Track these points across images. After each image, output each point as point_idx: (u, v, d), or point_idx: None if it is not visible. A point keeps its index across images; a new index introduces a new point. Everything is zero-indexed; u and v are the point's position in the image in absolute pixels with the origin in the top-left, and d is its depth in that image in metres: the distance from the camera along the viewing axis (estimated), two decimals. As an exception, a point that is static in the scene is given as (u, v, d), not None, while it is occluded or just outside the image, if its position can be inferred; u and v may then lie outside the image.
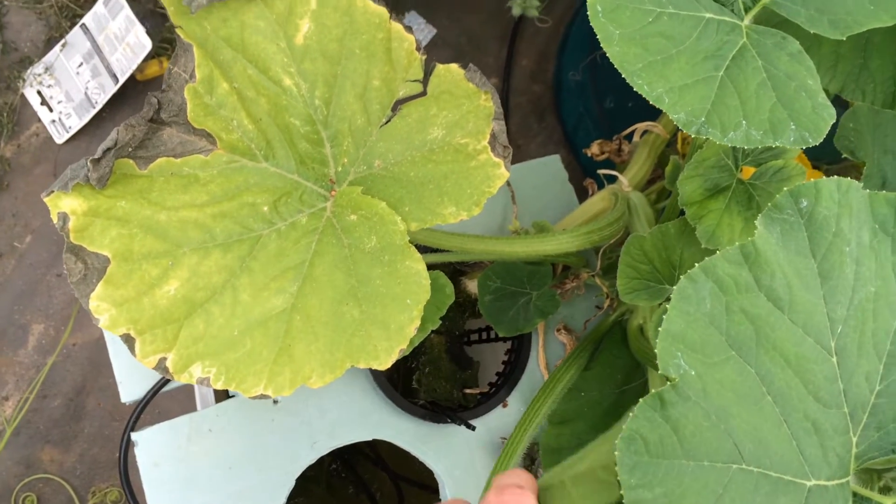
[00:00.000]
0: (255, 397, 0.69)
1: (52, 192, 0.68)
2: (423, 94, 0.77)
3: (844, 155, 0.90)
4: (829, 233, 0.54)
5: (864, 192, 0.56)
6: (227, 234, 0.74)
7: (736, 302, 0.51)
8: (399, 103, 0.77)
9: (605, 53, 1.59)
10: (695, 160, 0.80)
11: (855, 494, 0.57)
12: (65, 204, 0.68)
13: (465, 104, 0.75)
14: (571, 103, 1.77)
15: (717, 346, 0.51)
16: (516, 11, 1.26)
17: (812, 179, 0.53)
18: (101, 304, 0.68)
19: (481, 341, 1.11)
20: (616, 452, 0.48)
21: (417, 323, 0.70)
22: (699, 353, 0.50)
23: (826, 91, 0.80)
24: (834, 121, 0.57)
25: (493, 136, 0.74)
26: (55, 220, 0.68)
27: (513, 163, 1.27)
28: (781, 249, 0.52)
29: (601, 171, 1.04)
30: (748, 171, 0.87)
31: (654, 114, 1.09)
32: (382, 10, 0.75)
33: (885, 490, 0.57)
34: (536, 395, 0.91)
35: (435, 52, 1.82)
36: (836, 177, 0.54)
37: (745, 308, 0.51)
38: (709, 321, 0.51)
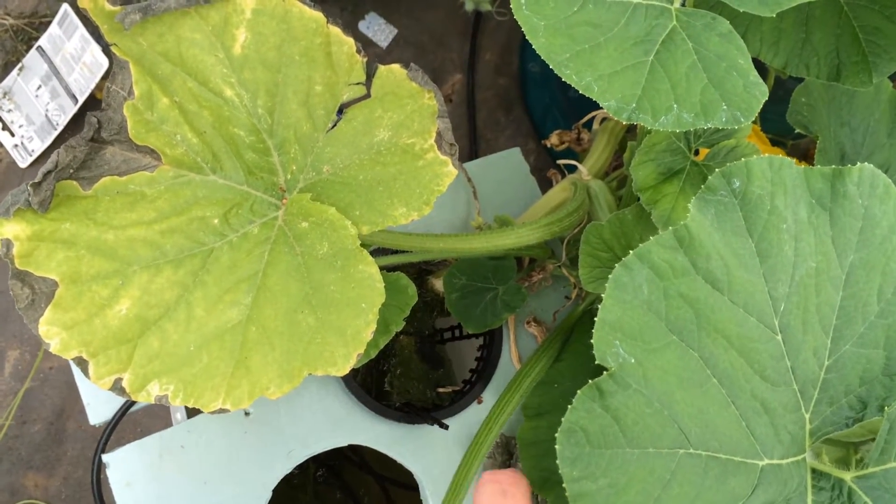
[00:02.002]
0: (214, 412, 0.69)
1: (-7, 219, 0.67)
2: (368, 96, 0.76)
3: (797, 130, 0.90)
4: (764, 211, 0.54)
5: (799, 169, 0.56)
6: (178, 249, 0.73)
7: (673, 287, 0.51)
8: (344, 107, 0.77)
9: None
10: (645, 145, 0.80)
11: (813, 470, 0.57)
12: (7, 230, 0.67)
13: (410, 104, 0.75)
14: (537, 95, 1.77)
15: (657, 332, 0.51)
16: (469, 7, 1.25)
17: (743, 160, 0.53)
18: (50, 329, 0.67)
19: (452, 339, 1.11)
20: (557, 446, 0.48)
21: (373, 327, 0.70)
22: (638, 340, 0.50)
23: (770, 67, 0.80)
24: (766, 98, 0.57)
25: (439, 135, 0.74)
26: (-2, 248, 0.67)
27: (479, 157, 1.27)
28: (717, 231, 0.52)
29: (560, 162, 1.04)
30: (704, 153, 0.87)
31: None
32: (319, 15, 0.74)
33: (860, 463, 0.57)
34: (505, 389, 0.91)
35: (397, 52, 1.81)
36: (767, 155, 0.54)
37: (684, 292, 0.51)
38: (647, 308, 0.51)
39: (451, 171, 0.73)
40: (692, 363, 0.51)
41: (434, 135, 0.74)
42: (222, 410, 0.69)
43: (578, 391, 0.49)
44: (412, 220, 0.73)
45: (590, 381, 0.50)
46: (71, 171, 0.71)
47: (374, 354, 0.79)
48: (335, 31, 0.75)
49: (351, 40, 0.75)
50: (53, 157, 0.69)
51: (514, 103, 1.82)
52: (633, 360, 0.49)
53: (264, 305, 0.72)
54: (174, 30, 0.74)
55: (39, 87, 1.53)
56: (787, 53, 0.77)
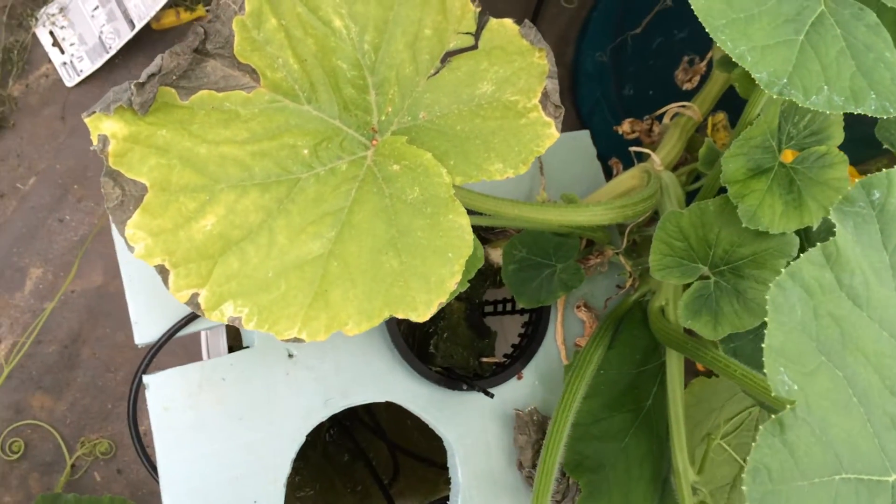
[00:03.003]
0: (287, 340, 0.67)
1: (94, 112, 0.65)
2: (475, 47, 0.75)
3: (885, 146, 0.90)
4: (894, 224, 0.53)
5: None
6: (266, 173, 0.71)
7: (822, 305, 0.50)
8: (449, 55, 0.75)
9: (630, 38, 1.56)
10: (742, 137, 0.79)
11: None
12: (106, 126, 0.66)
13: (518, 61, 0.74)
14: (589, 88, 1.76)
15: (810, 354, 0.50)
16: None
17: (884, 170, 0.52)
18: (137, 233, 0.66)
19: (498, 313, 1.09)
20: (744, 487, 0.46)
21: (458, 277, 0.69)
22: (797, 364, 0.49)
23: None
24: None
25: (546, 95, 0.72)
26: (95, 142, 0.65)
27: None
28: (857, 244, 0.51)
29: (633, 149, 1.03)
30: (787, 156, 0.86)
31: (675, 101, 1.08)
32: (441, -43, 0.73)
33: None
34: (571, 376, 0.90)
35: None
36: None
37: (831, 310, 0.50)
38: (801, 329, 0.49)
39: (553, 133, 0.72)
40: (839, 384, 0.50)
41: (540, 94, 0.73)
42: (297, 340, 0.67)
43: (761, 427, 0.47)
44: (507, 176, 0.72)
45: (772, 416, 0.48)
46: (173, 77, 0.69)
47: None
48: (454, -25, 0.73)
49: (468, -12, 0.74)
50: (157, 60, 0.67)
51: (563, 95, 1.81)
52: (796, 387, 0.48)
53: (348, 241, 0.70)
54: (290, -49, 0.73)
55: (97, 7, 1.51)
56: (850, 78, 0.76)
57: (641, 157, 1.04)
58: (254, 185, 0.71)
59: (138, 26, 1.50)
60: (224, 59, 0.72)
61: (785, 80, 0.53)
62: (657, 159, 0.99)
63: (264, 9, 0.72)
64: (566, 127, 1.87)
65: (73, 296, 1.43)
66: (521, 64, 0.73)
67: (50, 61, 1.53)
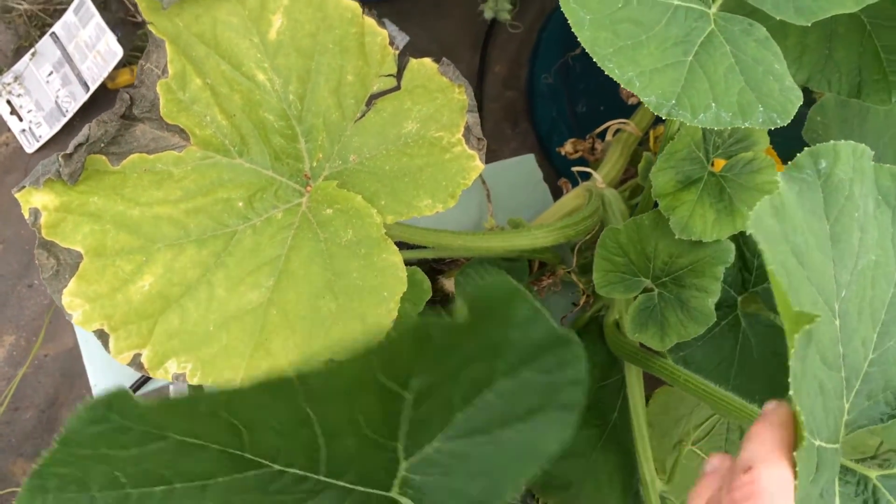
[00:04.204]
0: (232, 392, 0.68)
1: (24, 187, 0.67)
2: (397, 88, 0.77)
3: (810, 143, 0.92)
4: (842, 196, 0.54)
5: (871, 163, 0.57)
6: (202, 229, 0.73)
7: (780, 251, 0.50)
8: (373, 98, 0.77)
9: (577, 56, 1.59)
10: (666, 152, 0.81)
11: (841, 464, 0.57)
12: (36, 199, 0.67)
13: (439, 98, 0.76)
14: (545, 108, 1.78)
15: None
16: (488, 14, 1.27)
17: (832, 142, 0.53)
18: (74, 300, 0.67)
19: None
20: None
21: (394, 315, 0.70)
22: None
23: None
24: (801, 102, 0.58)
25: (468, 129, 0.74)
26: (27, 216, 0.67)
27: (487, 164, 1.27)
28: (800, 208, 0.52)
29: (576, 169, 1.05)
30: (720, 164, 0.88)
31: (624, 116, 1.11)
32: (355, 5, 0.75)
33: (886, 462, 0.58)
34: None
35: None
36: (851, 141, 0.54)
37: (782, 261, 0.51)
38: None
39: (478, 165, 0.74)
40: None
41: (462, 129, 0.75)
42: (241, 390, 0.69)
43: None
44: (437, 211, 0.74)
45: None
46: (101, 145, 0.71)
47: (388, 346, 0.79)
48: (369, 21, 0.76)
49: (385, 31, 0.76)
50: (85, 130, 0.69)
51: (521, 116, 1.83)
52: None
53: (286, 289, 0.72)
54: (211, 12, 0.75)
55: (51, 73, 1.53)
56: (809, 68, 0.78)
57: (588, 176, 1.06)
58: (190, 241, 0.72)
59: (93, 88, 1.52)
60: (152, 121, 0.74)
61: (673, 101, 0.55)
62: (598, 177, 1.01)
63: (188, 70, 0.74)
64: (527, 149, 1.89)
65: (46, 360, 1.44)
66: (442, 101, 0.76)
67: (9, 130, 1.55)
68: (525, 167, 1.12)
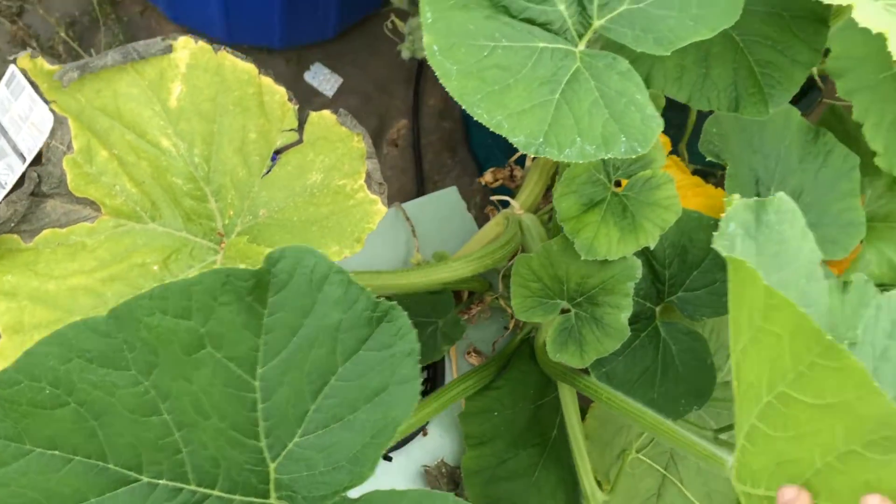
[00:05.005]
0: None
1: (-65, 273, 0.69)
2: (300, 141, 0.80)
3: (709, 158, 0.96)
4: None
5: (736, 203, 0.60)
6: (119, 296, 0.75)
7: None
8: (278, 152, 0.80)
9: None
10: (565, 178, 0.85)
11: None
12: (-51, 283, 0.69)
13: (340, 147, 0.79)
14: (480, 135, 1.82)
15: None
16: (405, 54, 1.31)
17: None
18: (-7, 378, 0.69)
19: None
20: None
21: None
22: None
23: (675, 100, 0.86)
24: (661, 129, 0.62)
25: (368, 175, 0.77)
26: (-60, 301, 0.69)
27: (413, 200, 1.31)
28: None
29: (494, 198, 1.09)
30: (622, 185, 0.92)
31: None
32: (251, 67, 0.78)
33: None
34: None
35: (343, 100, 1.85)
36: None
37: None
38: None
39: (380, 208, 0.77)
40: None
41: (364, 175, 0.78)
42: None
43: None
44: (345, 256, 0.77)
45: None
46: (12, 224, 0.73)
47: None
48: (267, 81, 0.79)
49: (282, 89, 0.79)
50: (-7, 211, 0.71)
51: (459, 145, 1.87)
52: None
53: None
54: (111, 85, 0.77)
55: (-16, 146, 1.54)
56: (689, 88, 0.82)
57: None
58: (108, 309, 0.74)
59: (29, 158, 1.53)
60: (62, 196, 0.76)
61: (541, 140, 0.58)
62: (515, 204, 1.05)
63: (93, 143, 0.77)
64: (468, 175, 1.93)
65: None
66: (343, 150, 0.79)
67: (-54, 205, 1.56)
68: (449, 200, 1.15)
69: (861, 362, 0.43)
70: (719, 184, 1.43)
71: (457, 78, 0.59)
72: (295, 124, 0.79)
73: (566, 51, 0.65)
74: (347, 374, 0.60)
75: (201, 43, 0.76)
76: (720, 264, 0.97)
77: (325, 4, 1.42)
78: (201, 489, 0.60)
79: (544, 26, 0.64)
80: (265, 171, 0.80)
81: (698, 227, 0.97)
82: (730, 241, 0.57)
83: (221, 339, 0.58)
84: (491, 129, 0.59)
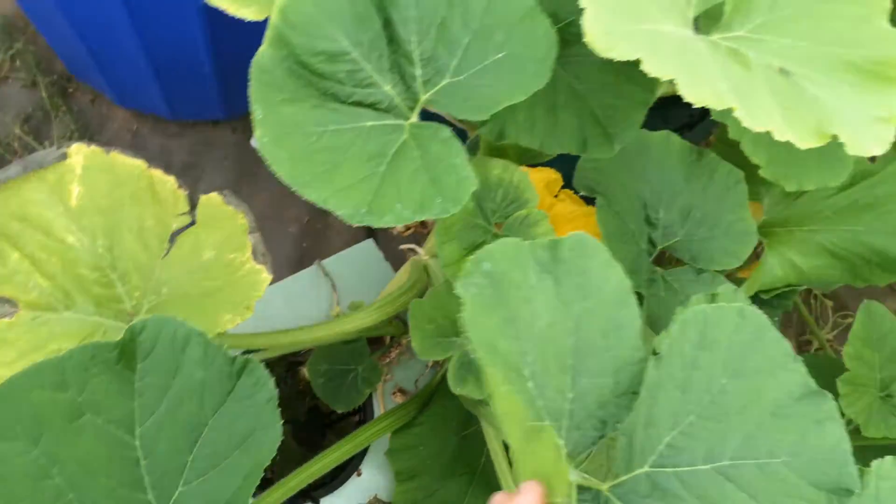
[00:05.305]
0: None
1: None
2: (193, 223, 0.89)
3: (582, 192, 1.05)
4: (507, 284, 0.64)
5: (526, 244, 0.68)
6: (39, 381, 0.84)
7: None
8: (175, 234, 0.89)
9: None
10: (440, 228, 0.93)
11: (578, 486, 0.68)
12: None
13: (227, 225, 0.88)
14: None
15: None
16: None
17: (486, 246, 0.64)
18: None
19: (333, 422, 1.21)
20: None
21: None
22: None
23: (529, 150, 0.94)
24: (475, 188, 0.70)
25: (253, 248, 0.86)
26: None
27: (338, 254, 1.39)
28: (481, 307, 0.63)
29: (402, 247, 1.17)
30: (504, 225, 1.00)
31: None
32: (139, 163, 0.87)
33: (613, 475, 0.68)
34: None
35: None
36: (504, 239, 0.65)
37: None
38: None
39: (266, 277, 0.86)
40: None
41: (250, 248, 0.86)
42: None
43: None
44: (237, 323, 0.85)
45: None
46: (-66, 327, 0.82)
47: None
48: (157, 173, 0.88)
49: (171, 178, 0.88)
50: (-83, 318, 0.80)
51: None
52: None
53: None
54: (19, 193, 0.87)
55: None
56: (541, 136, 0.90)
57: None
58: (30, 393, 0.83)
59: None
60: (-19, 297, 0.85)
61: (364, 210, 0.66)
62: (420, 250, 1.13)
63: (4, 247, 0.86)
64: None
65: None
66: (230, 227, 0.87)
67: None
68: (366, 251, 1.24)
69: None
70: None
71: (287, 164, 0.67)
72: (186, 208, 0.88)
73: (395, 125, 0.73)
74: (217, 425, 0.69)
75: (93, 147, 0.86)
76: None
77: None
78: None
79: (373, 107, 0.73)
80: (164, 253, 0.89)
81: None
82: (486, 280, 0.64)
83: (99, 406, 0.66)
84: (320, 205, 0.67)
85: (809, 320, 1.81)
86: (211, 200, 0.88)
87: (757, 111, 0.75)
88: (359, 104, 0.72)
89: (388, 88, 0.73)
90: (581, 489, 0.68)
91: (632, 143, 1.13)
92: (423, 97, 0.75)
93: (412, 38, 0.73)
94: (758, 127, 0.73)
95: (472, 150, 1.21)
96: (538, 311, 0.65)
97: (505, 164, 0.97)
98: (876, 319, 1.36)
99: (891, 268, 1.29)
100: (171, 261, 0.88)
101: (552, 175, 1.23)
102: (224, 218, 0.87)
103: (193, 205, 0.89)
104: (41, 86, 1.71)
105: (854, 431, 1.27)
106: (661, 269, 1.16)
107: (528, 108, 0.90)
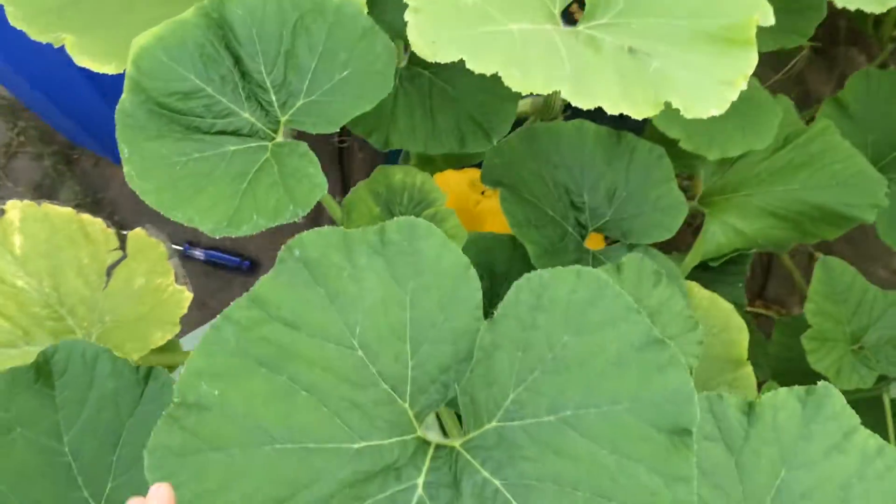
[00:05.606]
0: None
1: None
2: (125, 256, 1.00)
3: (487, 186, 1.12)
4: (326, 266, 0.72)
5: (357, 230, 0.76)
6: None
7: (254, 332, 0.69)
8: (111, 268, 1.01)
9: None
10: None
11: (432, 444, 0.75)
12: None
13: (152, 254, 0.99)
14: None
15: (244, 368, 0.68)
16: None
17: (297, 235, 0.73)
18: None
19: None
20: (146, 461, 0.65)
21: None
22: (223, 376, 0.67)
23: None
24: (324, 193, 0.78)
25: (175, 272, 0.97)
26: None
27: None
28: (288, 289, 0.71)
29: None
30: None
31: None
32: (69, 210, 0.99)
33: (463, 432, 0.75)
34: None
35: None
36: (317, 228, 0.74)
37: (264, 335, 0.69)
38: (233, 353, 0.68)
39: (188, 295, 0.96)
40: (278, 384, 0.68)
41: (172, 273, 0.97)
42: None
43: (159, 420, 0.66)
44: (167, 339, 0.96)
45: (163, 413, 0.67)
46: None
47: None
48: (86, 216, 1.00)
49: (99, 220, 1.00)
50: None
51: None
52: (216, 392, 0.67)
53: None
54: (-27, 249, 1.00)
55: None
56: (423, 139, 0.99)
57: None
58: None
59: None
60: (-50, 342, 0.98)
61: (225, 223, 0.76)
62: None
63: (-35, 296, 0.99)
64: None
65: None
66: (154, 256, 0.98)
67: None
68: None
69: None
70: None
71: (153, 193, 0.77)
72: (116, 244, 1.00)
73: (259, 147, 0.83)
74: (134, 426, 0.79)
75: (26, 201, 0.98)
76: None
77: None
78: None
79: (236, 133, 0.83)
80: (104, 286, 1.00)
81: (496, 245, 1.12)
82: (300, 265, 0.71)
83: (27, 420, 0.77)
84: (184, 224, 0.77)
85: (800, 282, 1.83)
86: (137, 234, 0.99)
87: (591, 90, 0.81)
88: (222, 132, 0.82)
89: (247, 115, 0.83)
90: (438, 447, 0.74)
91: (542, 134, 1.21)
92: (283, 118, 0.84)
93: (261, 69, 0.83)
94: (587, 104, 0.80)
95: (406, 161, 1.30)
96: (369, 289, 0.73)
97: (406, 170, 1.06)
98: (835, 274, 1.38)
99: (835, 221, 1.32)
100: (110, 291, 1.00)
101: (476, 174, 1.31)
102: (149, 248, 0.99)
103: (123, 240, 1.00)
104: (46, 157, 1.88)
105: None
106: (594, 249, 1.22)
107: (408, 116, 0.99)
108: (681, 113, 0.82)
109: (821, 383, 0.88)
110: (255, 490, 0.67)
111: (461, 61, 0.76)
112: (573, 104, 0.79)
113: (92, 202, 1.76)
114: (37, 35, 0.83)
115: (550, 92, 0.78)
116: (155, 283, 0.98)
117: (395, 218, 0.74)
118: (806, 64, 2.01)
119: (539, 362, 0.74)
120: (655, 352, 0.75)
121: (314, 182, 0.78)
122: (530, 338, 0.75)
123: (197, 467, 0.65)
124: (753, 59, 0.85)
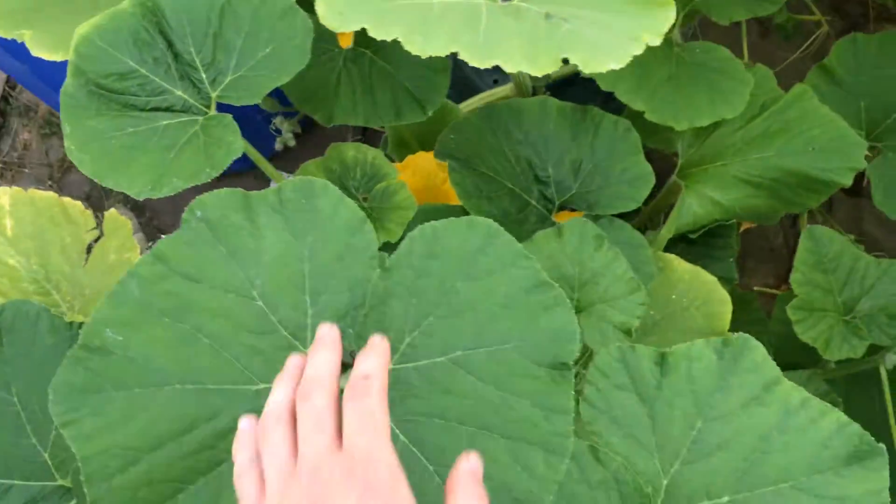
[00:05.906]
0: None
1: None
2: (102, 234, 1.10)
3: (440, 161, 1.17)
4: (227, 226, 0.79)
5: (258, 192, 0.82)
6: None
7: (158, 285, 0.76)
8: (90, 246, 1.11)
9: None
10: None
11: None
12: None
13: (122, 231, 1.08)
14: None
15: (148, 317, 0.75)
16: (278, 146, 1.59)
17: (197, 197, 0.79)
18: None
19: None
20: (50, 397, 0.71)
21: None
22: (127, 325, 0.74)
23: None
24: (237, 155, 0.85)
25: (140, 246, 1.06)
26: None
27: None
28: (189, 246, 0.77)
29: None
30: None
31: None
32: (52, 194, 1.10)
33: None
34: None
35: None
36: (217, 191, 0.80)
37: (167, 288, 0.76)
38: (137, 304, 0.75)
39: (150, 267, 1.04)
40: (180, 332, 0.74)
41: (138, 249, 1.06)
42: None
43: (63, 361, 0.73)
44: (133, 307, 1.04)
45: (67, 353, 0.73)
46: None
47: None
48: (67, 199, 1.10)
49: (79, 203, 1.10)
50: None
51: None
52: (120, 338, 0.74)
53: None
54: (-27, 232, 1.11)
55: None
56: (364, 114, 1.05)
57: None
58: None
59: None
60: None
61: (149, 187, 0.83)
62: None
63: (-36, 274, 1.10)
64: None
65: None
66: (124, 233, 1.08)
67: None
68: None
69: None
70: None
71: (89, 164, 0.85)
72: (94, 224, 1.10)
73: (190, 121, 0.91)
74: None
75: (14, 188, 1.09)
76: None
77: (265, 132, 1.70)
78: (3, 481, 0.88)
79: (169, 109, 0.91)
80: (84, 262, 1.10)
81: (447, 215, 1.16)
82: (203, 224, 0.76)
83: None
84: (114, 189, 0.85)
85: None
86: (111, 214, 1.09)
87: (492, 51, 0.85)
88: (156, 109, 0.90)
89: (180, 93, 0.91)
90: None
91: (502, 111, 1.24)
92: (214, 94, 0.92)
93: (191, 49, 0.91)
94: (483, 64, 0.84)
95: (385, 146, 1.37)
96: (269, 244, 0.78)
97: (357, 146, 1.12)
98: (822, 243, 1.35)
99: (812, 186, 1.30)
100: (89, 268, 1.10)
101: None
102: (120, 226, 1.08)
103: (99, 221, 1.10)
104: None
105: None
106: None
107: (350, 93, 1.05)
108: (579, 67, 0.84)
109: (738, 334, 0.88)
110: (155, 423, 0.73)
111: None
112: (470, 64, 0.83)
113: (133, 207, 1.90)
114: (4, 32, 0.93)
115: (446, 53, 0.82)
116: (124, 257, 1.07)
117: (290, 180, 0.80)
118: (827, 41, 1.96)
119: (434, 307, 0.77)
120: (542, 293, 0.77)
121: (231, 148, 0.85)
122: (424, 285, 0.78)
123: (99, 403, 0.72)
124: (671, 17, 0.88)
